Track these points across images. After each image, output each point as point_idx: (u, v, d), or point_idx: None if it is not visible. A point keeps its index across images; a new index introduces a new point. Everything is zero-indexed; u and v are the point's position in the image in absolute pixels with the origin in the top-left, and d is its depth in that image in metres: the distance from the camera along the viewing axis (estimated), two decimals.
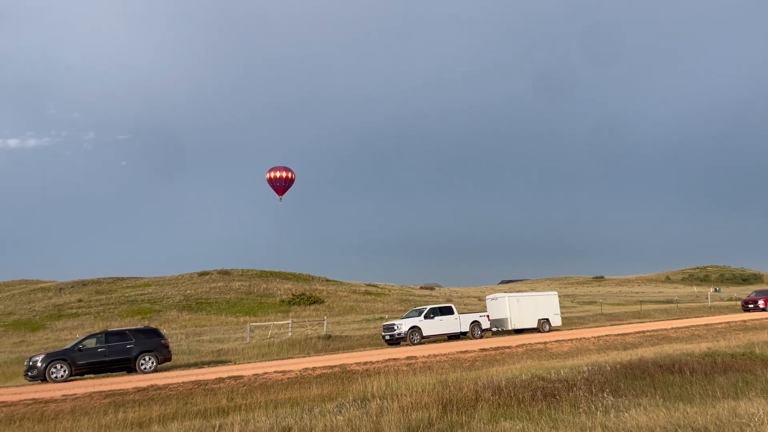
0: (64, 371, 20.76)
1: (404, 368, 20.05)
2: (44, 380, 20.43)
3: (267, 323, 39.65)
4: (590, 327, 37.30)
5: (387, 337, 29.49)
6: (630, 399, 10.41)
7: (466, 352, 23.39)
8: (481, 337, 30.97)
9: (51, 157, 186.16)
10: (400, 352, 24.64)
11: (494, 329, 32.97)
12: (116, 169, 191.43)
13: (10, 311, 52.50)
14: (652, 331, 29.90)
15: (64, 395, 16.37)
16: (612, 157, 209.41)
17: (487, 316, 32.31)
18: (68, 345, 23.36)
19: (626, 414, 8.71)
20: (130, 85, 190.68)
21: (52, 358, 20.88)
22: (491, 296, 35.54)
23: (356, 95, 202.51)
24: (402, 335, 28.91)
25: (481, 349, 23.94)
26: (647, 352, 18.10)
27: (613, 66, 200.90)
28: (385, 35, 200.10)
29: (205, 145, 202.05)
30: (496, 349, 24.16)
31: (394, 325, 29.57)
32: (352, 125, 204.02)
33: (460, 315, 31.56)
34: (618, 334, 28.60)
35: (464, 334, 31.10)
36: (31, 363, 20.91)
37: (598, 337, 27.77)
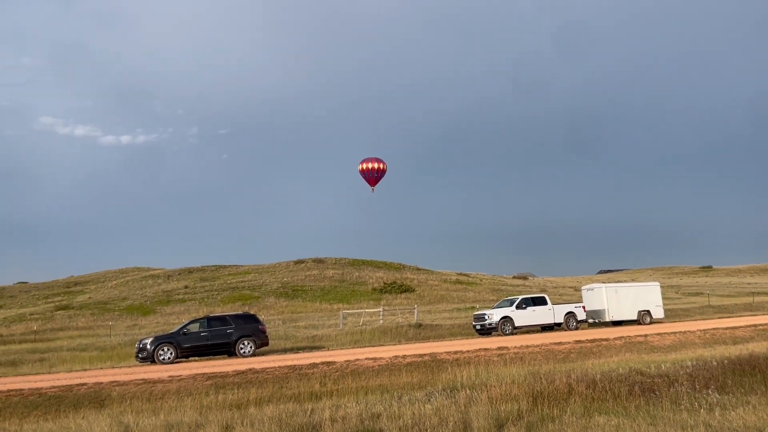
0: (171, 354, 22.06)
1: (495, 359, 19.80)
2: (153, 362, 21.81)
3: (359, 311, 40.37)
4: (696, 320, 35.25)
5: (478, 327, 29.20)
6: (738, 397, 9.75)
7: (559, 343, 22.75)
8: (577, 328, 30.01)
9: (159, 152, 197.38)
10: (492, 342, 24.34)
11: (591, 321, 31.86)
12: (218, 163, 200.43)
13: (124, 297, 56.47)
14: (765, 324, 27.82)
15: (170, 376, 17.41)
16: (720, 141, 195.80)
17: (583, 307, 31.27)
18: (174, 329, 24.81)
19: (733, 412, 8.17)
20: (229, 83, 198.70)
21: (159, 341, 22.25)
22: (587, 287, 34.32)
23: (443, 81, 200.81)
24: (493, 325, 28.54)
25: (576, 341, 23.20)
26: (759, 347, 16.89)
27: None
28: (470, 16, 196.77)
29: (300, 138, 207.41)
30: (592, 341, 23.34)
31: (486, 314, 29.22)
32: (441, 112, 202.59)
33: (554, 305, 30.72)
34: (727, 328, 26.85)
35: (558, 325, 30.26)
36: (141, 345, 22.38)
37: (704, 330, 26.19)
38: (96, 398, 15.52)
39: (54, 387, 16.28)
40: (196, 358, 23.07)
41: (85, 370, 21.61)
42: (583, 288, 35.06)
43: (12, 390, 15.98)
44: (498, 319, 28.60)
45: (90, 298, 60.23)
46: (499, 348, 21.65)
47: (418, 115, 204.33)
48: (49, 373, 21.15)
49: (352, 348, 25.42)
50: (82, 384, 16.61)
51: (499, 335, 27.95)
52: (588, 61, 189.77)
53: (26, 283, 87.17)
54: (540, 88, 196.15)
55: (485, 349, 21.57)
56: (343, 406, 10.55)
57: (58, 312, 49.34)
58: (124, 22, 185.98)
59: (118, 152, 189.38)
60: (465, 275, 73.48)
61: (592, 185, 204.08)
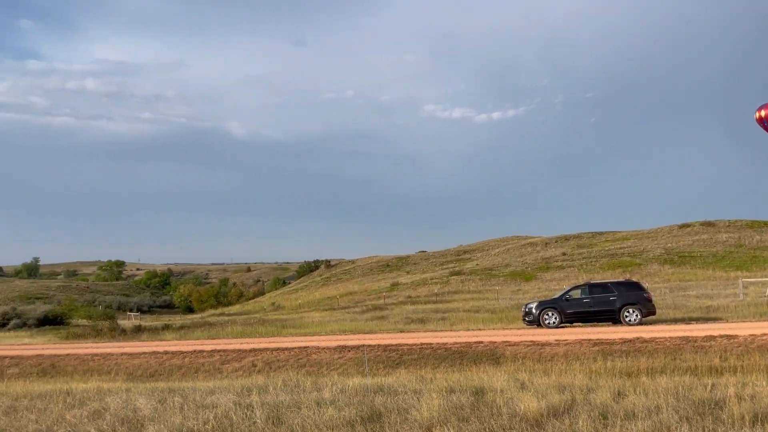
0: (555, 318, 22.75)
1: None
2: (538, 325, 22.84)
3: (764, 279, 35.02)
4: None
5: None
6: None
7: None
8: None
9: (526, 124, 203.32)
10: None
11: None
12: (586, 127, 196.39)
13: (507, 263, 60.25)
14: None
15: (556, 340, 18.03)
16: None
17: None
18: (556, 294, 25.48)
19: None
20: (593, 45, 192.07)
21: (544, 306, 23.16)
22: None
23: None
24: None
25: None
26: None
27: None
28: None
29: (671, 94, 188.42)
30: None
31: None
32: None
33: None
34: None
35: None
36: (527, 309, 23.65)
37: None
38: (491, 355, 17.09)
39: (456, 343, 18.48)
40: (579, 324, 23.31)
41: (480, 329, 23.87)
42: None
43: (424, 344, 18.73)
44: None
45: (477, 264, 66.04)
46: None
47: None
48: (450, 330, 24.04)
49: (758, 321, 22.28)
50: (479, 342, 18.45)
51: None
52: None
53: (425, 251, 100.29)
54: None
55: None
56: (750, 384, 9.43)
57: (453, 277, 55.49)
58: (483, 8, 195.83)
59: (490, 128, 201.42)
60: None
61: None
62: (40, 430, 6.73)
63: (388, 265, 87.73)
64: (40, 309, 48.48)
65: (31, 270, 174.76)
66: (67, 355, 19.73)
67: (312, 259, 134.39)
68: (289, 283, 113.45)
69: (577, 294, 23.47)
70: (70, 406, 8.79)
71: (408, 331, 24.25)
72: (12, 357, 19.78)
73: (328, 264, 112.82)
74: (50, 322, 43.55)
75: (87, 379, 15.49)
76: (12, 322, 43.06)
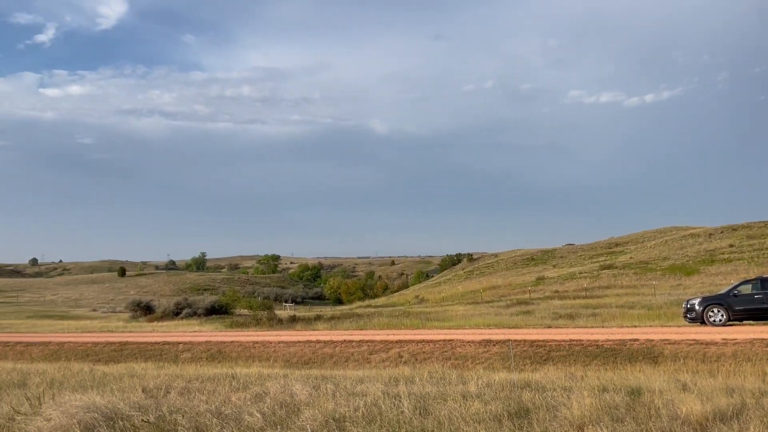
0: (722, 316, 20.85)
1: None
2: (702, 323, 21.06)
3: None
4: None
5: None
6: None
7: None
8: None
9: (684, 105, 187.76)
10: None
11: None
12: (754, 106, 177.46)
13: (665, 256, 56.17)
14: None
15: (723, 339, 16.52)
16: None
17: None
18: (723, 290, 23.34)
19: None
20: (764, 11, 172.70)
21: (709, 302, 21.30)
22: None
23: None
24: None
25: None
26: None
27: None
28: None
29: None
30: None
31: None
32: None
33: None
34: None
35: None
36: (688, 305, 21.89)
37: None
38: (648, 354, 16.05)
39: (609, 340, 17.59)
40: (750, 322, 21.17)
41: (634, 326, 22.51)
42: None
43: (573, 340, 18.03)
44: None
45: (631, 258, 62.25)
46: None
47: None
48: (602, 327, 22.90)
49: None
50: (634, 339, 17.41)
51: None
52: None
53: (572, 244, 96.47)
54: None
55: None
56: None
57: (603, 271, 52.79)
58: None
59: (642, 112, 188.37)
60: None
61: None
62: (210, 411, 7.36)
63: (532, 259, 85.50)
64: (208, 300, 53.13)
65: (199, 264, 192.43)
66: (232, 342, 21.43)
67: (454, 253, 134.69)
68: (432, 277, 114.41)
69: (747, 289, 21.33)
70: (235, 389, 9.54)
71: (555, 327, 23.48)
72: (185, 343, 21.85)
73: (470, 257, 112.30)
74: (216, 311, 47.60)
75: (249, 365, 16.73)
76: (184, 312, 47.64)
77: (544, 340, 18.14)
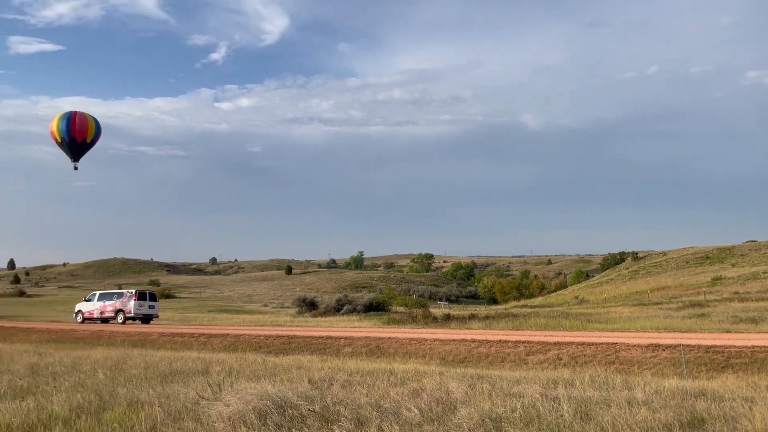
0: None
1: None
2: None
3: None
4: None
5: None
6: None
7: None
8: None
9: None
10: None
11: None
12: None
13: None
14: None
15: None
16: None
17: None
18: None
19: None
20: None
21: None
22: None
23: None
24: None
25: None
26: None
27: None
28: None
29: None
30: None
31: None
32: None
33: None
34: None
35: None
36: None
37: None
38: None
39: None
40: None
41: None
42: None
43: (756, 346, 16.25)
44: None
45: None
46: None
47: None
48: None
49: None
50: None
51: None
52: None
53: (755, 241, 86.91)
54: None
55: None
56: None
57: None
58: None
59: None
60: None
61: None
62: (370, 404, 7.65)
63: (707, 257, 78.30)
64: (366, 297, 55.22)
65: (357, 262, 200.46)
66: (389, 338, 22.05)
67: (617, 251, 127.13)
68: (593, 277, 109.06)
69: None
70: (393, 384, 9.83)
71: (736, 332, 21.32)
72: (346, 338, 22.86)
73: (635, 256, 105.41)
74: (374, 308, 49.30)
75: (406, 361, 17.11)
76: (344, 308, 49.91)
77: (722, 346, 16.55)
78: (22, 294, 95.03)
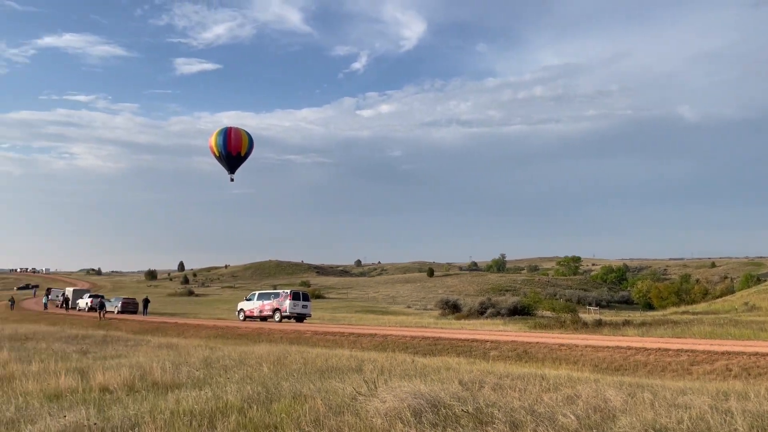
0: None
1: None
2: None
3: None
4: None
5: None
6: None
7: None
8: None
9: None
10: None
11: None
12: None
13: None
14: None
15: None
16: None
17: None
18: None
19: None
20: None
21: None
22: None
23: None
24: None
25: None
26: None
27: None
28: None
29: None
30: None
31: None
32: None
33: None
34: None
35: None
36: None
37: None
38: None
39: None
40: None
41: None
42: None
43: None
44: None
45: None
46: None
47: None
48: None
49: None
50: None
51: None
52: None
53: None
54: None
55: None
56: None
57: None
58: None
59: None
60: None
61: None
62: (524, 408, 7.57)
63: None
64: (510, 300, 54.22)
65: (499, 265, 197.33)
66: (537, 343, 21.54)
67: None
68: (765, 281, 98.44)
69: None
70: (545, 389, 9.63)
71: None
72: (492, 341, 22.67)
73: None
74: (518, 312, 48.28)
75: (557, 367, 16.63)
76: (488, 311, 49.40)
77: None
78: (190, 294, 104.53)
